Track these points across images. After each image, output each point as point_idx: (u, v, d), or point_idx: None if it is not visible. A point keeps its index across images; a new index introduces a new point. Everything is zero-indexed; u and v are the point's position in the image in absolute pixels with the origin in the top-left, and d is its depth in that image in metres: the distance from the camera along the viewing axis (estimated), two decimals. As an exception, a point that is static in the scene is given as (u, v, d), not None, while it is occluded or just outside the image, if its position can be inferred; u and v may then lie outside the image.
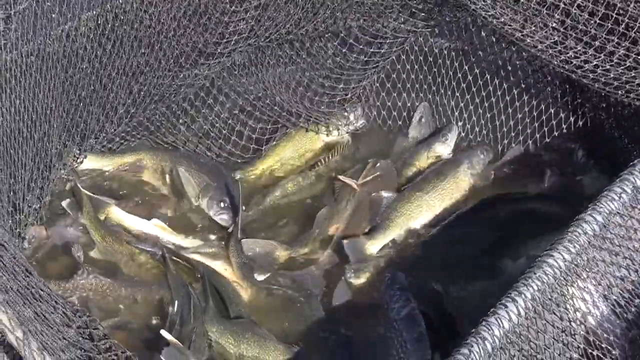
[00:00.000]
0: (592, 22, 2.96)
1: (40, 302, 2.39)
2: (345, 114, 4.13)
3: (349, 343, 3.20)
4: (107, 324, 3.23)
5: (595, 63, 3.06)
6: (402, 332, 2.99)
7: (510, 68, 4.05)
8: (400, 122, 4.29)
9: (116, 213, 3.73)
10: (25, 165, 3.42)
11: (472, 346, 2.10)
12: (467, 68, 4.16)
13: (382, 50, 3.87)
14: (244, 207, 3.76)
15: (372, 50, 3.87)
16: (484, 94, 4.13)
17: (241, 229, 3.63)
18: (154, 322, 3.30)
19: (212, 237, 3.73)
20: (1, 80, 3.25)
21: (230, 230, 3.67)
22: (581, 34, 3.01)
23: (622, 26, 2.93)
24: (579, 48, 3.04)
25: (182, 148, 4.10)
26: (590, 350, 2.41)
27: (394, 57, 4.09)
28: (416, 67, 4.25)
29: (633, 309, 2.53)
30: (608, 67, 3.04)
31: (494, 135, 4.11)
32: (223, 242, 3.65)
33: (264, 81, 4.05)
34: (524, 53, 3.88)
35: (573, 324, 2.41)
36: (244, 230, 3.67)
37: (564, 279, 2.34)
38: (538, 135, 4.03)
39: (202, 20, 3.52)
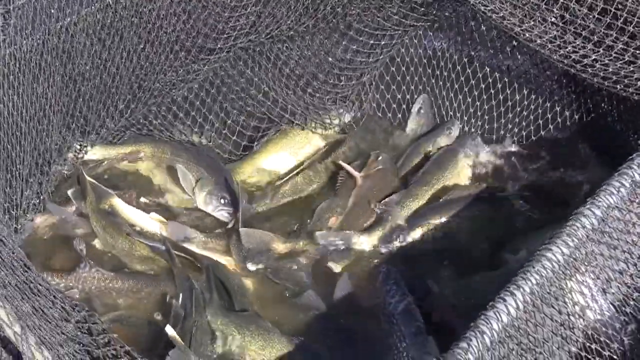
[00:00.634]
0: (590, 16, 2.96)
1: (39, 296, 2.39)
2: (341, 110, 4.13)
3: (350, 336, 3.20)
4: (109, 318, 3.23)
5: (594, 57, 3.06)
6: (401, 326, 3.00)
7: (510, 63, 4.05)
8: (399, 115, 4.30)
9: (118, 204, 3.73)
10: (24, 161, 3.42)
11: (470, 340, 2.10)
12: (466, 61, 4.17)
13: (382, 44, 3.87)
14: (244, 201, 3.75)
15: (372, 44, 3.87)
16: (482, 87, 4.14)
17: (246, 222, 3.62)
18: (157, 315, 3.30)
19: (214, 229, 3.72)
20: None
21: (231, 224, 3.67)
22: (580, 29, 3.01)
23: (621, 21, 2.93)
24: (577, 42, 3.05)
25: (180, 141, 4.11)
26: (588, 344, 2.42)
27: (393, 52, 4.09)
28: (415, 60, 4.26)
29: (631, 302, 2.54)
30: (607, 61, 3.05)
31: (491, 127, 4.13)
32: (225, 235, 3.65)
33: (264, 77, 4.05)
34: (524, 48, 3.88)
35: (572, 317, 2.41)
36: (251, 224, 3.66)
37: (563, 272, 2.34)
38: (533, 128, 4.05)
39: (202, 15, 3.52)
